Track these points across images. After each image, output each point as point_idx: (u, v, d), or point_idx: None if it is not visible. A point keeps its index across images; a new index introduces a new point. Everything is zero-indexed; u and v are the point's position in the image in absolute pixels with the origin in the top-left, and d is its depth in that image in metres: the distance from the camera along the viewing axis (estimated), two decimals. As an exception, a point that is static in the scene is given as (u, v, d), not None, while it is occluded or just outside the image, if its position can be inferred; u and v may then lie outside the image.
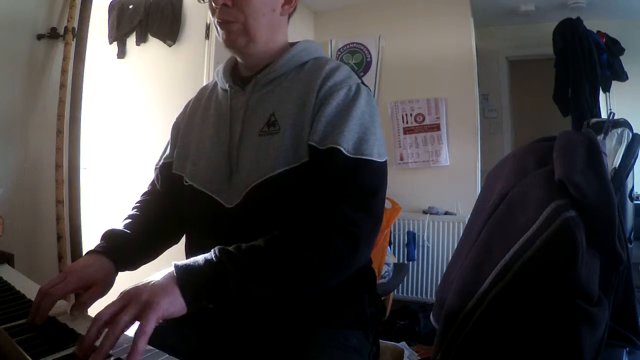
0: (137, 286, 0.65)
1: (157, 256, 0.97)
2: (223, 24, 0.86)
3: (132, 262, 0.90)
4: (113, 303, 0.63)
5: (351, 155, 0.78)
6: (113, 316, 0.61)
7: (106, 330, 0.60)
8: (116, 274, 0.85)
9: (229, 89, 0.93)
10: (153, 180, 1.04)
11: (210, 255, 0.70)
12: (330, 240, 0.73)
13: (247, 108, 0.88)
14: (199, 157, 0.92)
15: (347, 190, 0.77)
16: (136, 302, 0.62)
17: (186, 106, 1.06)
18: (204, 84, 1.14)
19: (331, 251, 0.73)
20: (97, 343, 0.59)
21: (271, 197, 0.82)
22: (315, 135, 0.80)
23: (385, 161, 0.83)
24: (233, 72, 0.97)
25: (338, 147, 0.78)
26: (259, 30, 0.87)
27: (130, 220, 0.96)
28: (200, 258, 0.70)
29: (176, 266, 0.68)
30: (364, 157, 0.79)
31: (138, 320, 0.60)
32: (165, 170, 1.00)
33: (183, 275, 0.66)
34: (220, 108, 0.94)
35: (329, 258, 0.73)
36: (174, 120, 1.06)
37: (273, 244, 0.73)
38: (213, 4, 0.86)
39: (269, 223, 0.81)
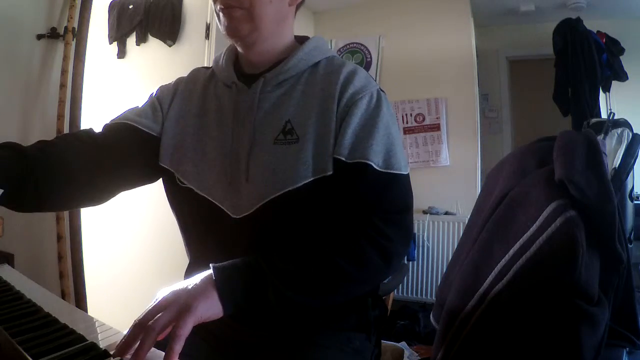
0: (175, 290, 0.64)
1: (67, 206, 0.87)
2: (226, 9, 0.79)
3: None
4: (151, 308, 0.62)
5: (382, 170, 0.77)
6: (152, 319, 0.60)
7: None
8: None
9: (233, 85, 0.87)
10: (88, 130, 0.91)
11: (249, 260, 0.69)
12: (366, 253, 0.73)
13: (257, 111, 0.83)
14: (200, 159, 0.85)
15: (379, 206, 0.75)
16: (175, 305, 0.61)
17: (175, 85, 0.95)
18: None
19: (367, 264, 0.73)
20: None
21: (288, 211, 0.78)
22: (342, 149, 0.77)
23: (409, 173, 0.81)
24: (234, 67, 0.90)
25: (368, 162, 0.76)
26: (265, 19, 0.81)
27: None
28: (239, 262, 0.69)
29: (214, 268, 0.66)
30: (393, 172, 0.77)
31: (175, 322, 0.59)
32: (127, 132, 0.90)
33: (221, 279, 0.65)
34: (222, 106, 0.87)
35: (363, 270, 0.73)
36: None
37: (310, 253, 0.72)
38: None
39: (281, 236, 0.79)
